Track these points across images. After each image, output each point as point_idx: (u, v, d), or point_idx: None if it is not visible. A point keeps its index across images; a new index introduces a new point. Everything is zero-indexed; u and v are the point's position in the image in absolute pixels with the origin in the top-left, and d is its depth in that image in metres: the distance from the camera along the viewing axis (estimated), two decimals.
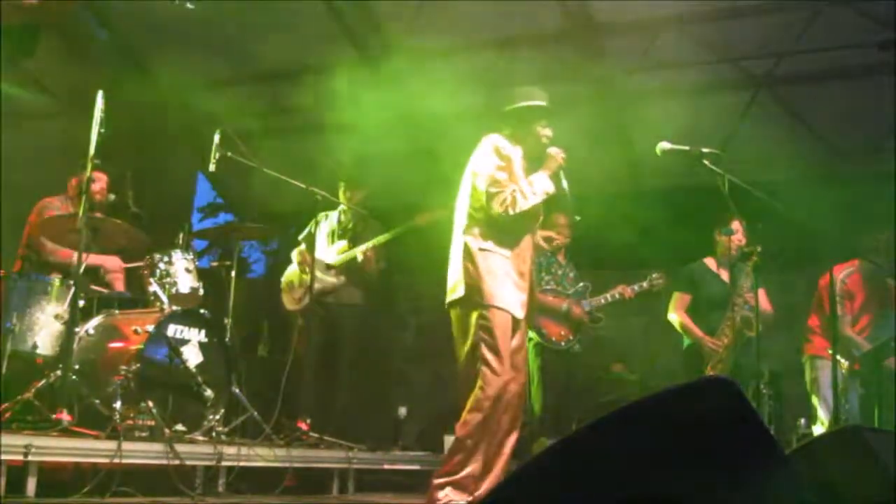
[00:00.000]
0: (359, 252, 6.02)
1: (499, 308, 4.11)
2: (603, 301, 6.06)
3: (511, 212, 4.12)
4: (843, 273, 5.70)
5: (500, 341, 4.08)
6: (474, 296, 4.12)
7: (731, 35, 6.65)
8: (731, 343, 5.39)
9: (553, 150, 4.30)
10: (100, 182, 5.59)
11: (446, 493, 4.00)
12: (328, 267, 6.13)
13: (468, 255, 4.18)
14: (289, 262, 6.45)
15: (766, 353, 4.79)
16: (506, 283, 4.16)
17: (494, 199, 4.12)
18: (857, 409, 5.56)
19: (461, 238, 4.26)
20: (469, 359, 4.16)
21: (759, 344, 4.44)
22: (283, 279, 6.37)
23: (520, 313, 4.22)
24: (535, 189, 4.20)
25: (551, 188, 4.25)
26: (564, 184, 4.29)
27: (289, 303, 6.28)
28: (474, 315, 4.12)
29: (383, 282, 6.53)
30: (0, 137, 4.85)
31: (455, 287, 4.21)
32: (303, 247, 6.24)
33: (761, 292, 5.35)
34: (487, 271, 4.14)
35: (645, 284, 6.05)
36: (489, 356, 4.07)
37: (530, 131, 4.36)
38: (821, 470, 2.39)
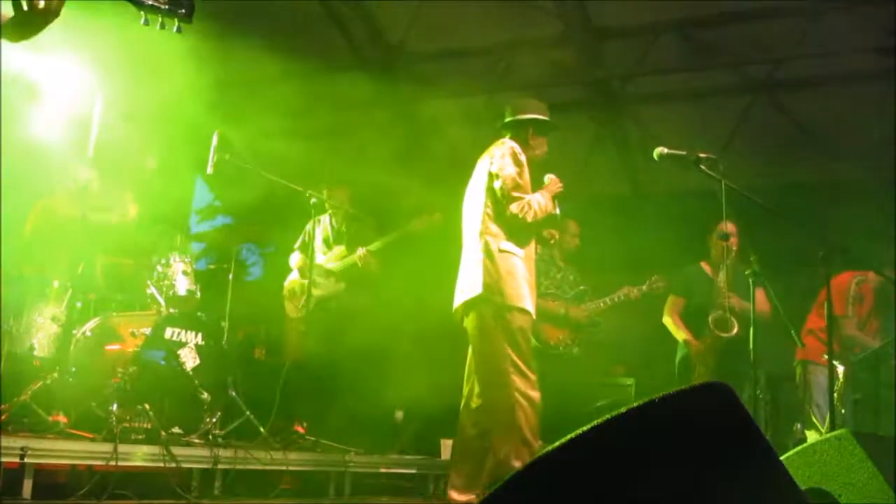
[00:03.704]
0: (358, 258, 6.00)
1: (521, 310, 4.15)
2: (609, 302, 6.04)
3: (528, 218, 4.21)
4: (857, 278, 5.73)
5: (523, 344, 4.12)
6: (494, 296, 4.14)
7: (731, 39, 6.66)
8: (710, 344, 5.36)
9: (551, 177, 4.48)
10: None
11: None
12: (329, 273, 6.13)
13: (489, 254, 4.21)
14: (287, 266, 6.43)
15: (762, 357, 4.77)
16: (523, 285, 4.21)
17: (515, 203, 4.21)
18: (851, 414, 5.56)
19: (479, 239, 4.27)
20: (485, 359, 4.15)
21: (756, 349, 4.42)
22: (286, 287, 6.37)
23: (534, 315, 4.30)
24: (545, 206, 4.32)
25: (552, 209, 4.40)
26: (558, 210, 4.47)
27: (292, 310, 6.27)
28: (496, 316, 4.13)
29: (383, 287, 6.53)
30: (0, 138, 4.84)
31: (472, 286, 4.21)
32: (298, 254, 6.25)
33: (759, 293, 5.35)
34: (507, 272, 4.17)
35: (644, 287, 6.04)
36: (516, 360, 4.08)
37: (529, 142, 4.48)
38: (816, 474, 2.39)
